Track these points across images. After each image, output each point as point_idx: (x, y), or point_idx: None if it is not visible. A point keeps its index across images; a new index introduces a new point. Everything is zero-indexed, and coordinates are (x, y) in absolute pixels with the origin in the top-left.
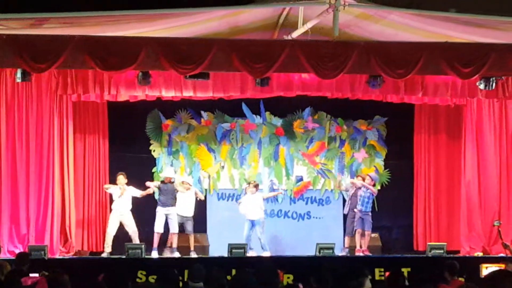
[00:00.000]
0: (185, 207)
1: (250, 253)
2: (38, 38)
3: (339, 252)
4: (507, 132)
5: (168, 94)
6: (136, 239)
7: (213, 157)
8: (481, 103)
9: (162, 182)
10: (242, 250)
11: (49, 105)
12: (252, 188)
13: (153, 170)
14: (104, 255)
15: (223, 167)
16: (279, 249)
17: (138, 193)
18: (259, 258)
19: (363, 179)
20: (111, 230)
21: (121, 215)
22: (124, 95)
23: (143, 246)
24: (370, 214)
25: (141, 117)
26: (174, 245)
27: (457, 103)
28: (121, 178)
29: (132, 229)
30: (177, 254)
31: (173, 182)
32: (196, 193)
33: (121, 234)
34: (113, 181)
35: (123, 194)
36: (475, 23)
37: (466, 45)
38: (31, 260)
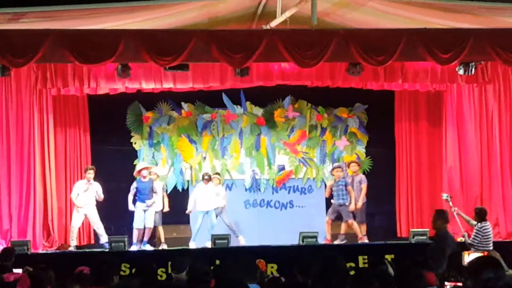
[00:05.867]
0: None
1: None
2: (16, 33)
3: (323, 240)
4: (487, 117)
5: (148, 86)
6: (104, 235)
7: (194, 148)
8: (461, 89)
9: (139, 180)
10: (226, 241)
11: (29, 99)
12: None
13: (134, 163)
14: (71, 249)
15: (204, 158)
16: (262, 239)
17: (100, 196)
18: (242, 249)
19: (348, 166)
20: (76, 224)
21: (85, 209)
22: (104, 88)
23: (126, 238)
24: (347, 205)
25: (121, 109)
26: (146, 238)
27: (437, 89)
28: (92, 173)
29: (98, 225)
30: (149, 247)
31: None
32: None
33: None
34: (95, 174)
35: (88, 189)
36: (453, 9)
37: (445, 31)
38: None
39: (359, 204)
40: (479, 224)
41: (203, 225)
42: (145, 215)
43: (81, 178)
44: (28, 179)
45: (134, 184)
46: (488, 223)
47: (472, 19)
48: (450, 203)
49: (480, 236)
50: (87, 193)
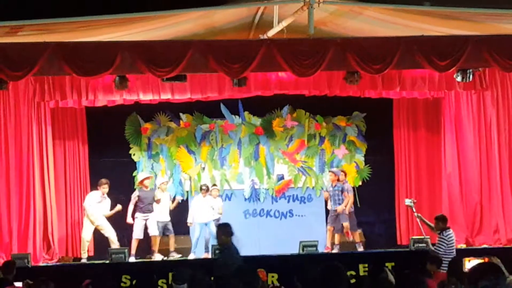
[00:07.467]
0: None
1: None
2: (14, 46)
3: (323, 249)
4: (486, 123)
5: (146, 97)
6: (116, 242)
7: (193, 158)
8: (459, 95)
9: (140, 189)
10: None
11: (27, 112)
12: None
13: (133, 174)
14: (84, 261)
15: (203, 168)
16: (262, 248)
17: (108, 211)
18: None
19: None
20: (88, 236)
21: (99, 220)
22: (102, 100)
23: (126, 250)
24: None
25: (120, 121)
26: (155, 248)
27: (435, 96)
28: (106, 187)
29: (110, 232)
30: (159, 257)
31: (149, 187)
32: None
33: (102, 238)
34: (94, 186)
35: (102, 201)
36: (450, 16)
37: (442, 38)
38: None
39: (346, 211)
40: (444, 232)
41: (202, 236)
42: (147, 224)
43: (81, 190)
44: (28, 191)
45: (136, 193)
46: (451, 230)
47: (470, 26)
48: (414, 209)
49: (445, 244)
50: (101, 205)
